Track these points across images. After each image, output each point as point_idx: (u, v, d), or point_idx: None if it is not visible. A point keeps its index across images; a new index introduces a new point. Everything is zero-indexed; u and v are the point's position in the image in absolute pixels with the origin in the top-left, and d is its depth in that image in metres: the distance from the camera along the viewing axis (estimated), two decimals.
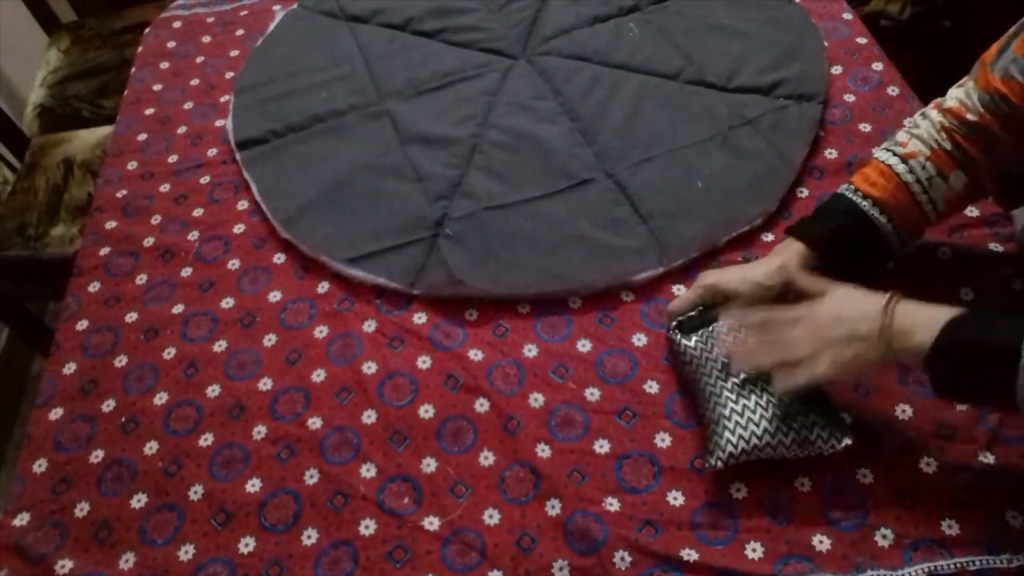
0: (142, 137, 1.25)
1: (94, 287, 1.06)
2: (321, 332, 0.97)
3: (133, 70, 1.39)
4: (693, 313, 0.87)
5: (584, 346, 0.93)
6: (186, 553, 0.82)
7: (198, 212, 1.13)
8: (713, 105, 1.14)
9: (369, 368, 0.93)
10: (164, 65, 1.38)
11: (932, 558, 0.73)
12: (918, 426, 0.82)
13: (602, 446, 0.84)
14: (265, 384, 0.93)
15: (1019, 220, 0.98)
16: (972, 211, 0.98)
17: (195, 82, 1.34)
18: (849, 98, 1.14)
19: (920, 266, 0.94)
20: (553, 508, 0.80)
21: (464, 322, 0.97)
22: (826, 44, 1.21)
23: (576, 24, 1.29)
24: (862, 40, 1.22)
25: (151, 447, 0.90)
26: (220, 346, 0.98)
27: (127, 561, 0.82)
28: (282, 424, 0.90)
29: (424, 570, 0.78)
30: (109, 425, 0.92)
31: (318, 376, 0.93)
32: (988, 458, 0.79)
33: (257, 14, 1.45)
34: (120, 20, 1.80)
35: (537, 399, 0.89)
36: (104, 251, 1.10)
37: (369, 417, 0.89)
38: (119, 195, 1.17)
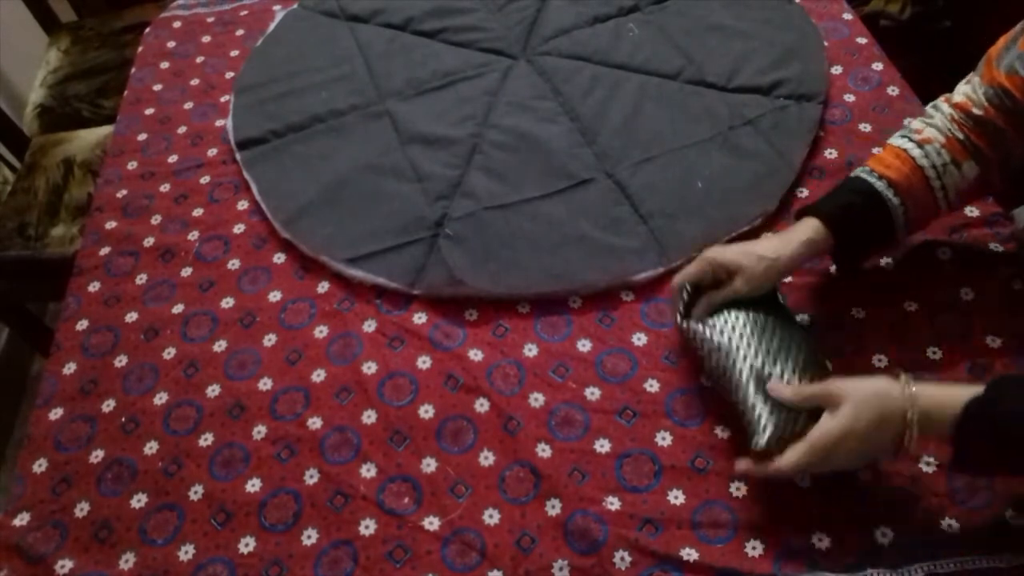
0: (142, 137, 1.25)
1: (94, 287, 1.06)
2: (321, 332, 0.97)
3: (133, 70, 1.39)
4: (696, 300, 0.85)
5: (584, 346, 0.93)
6: (186, 553, 0.82)
7: (198, 212, 1.13)
8: (713, 105, 1.14)
9: (369, 368, 0.93)
10: (164, 65, 1.38)
11: (932, 557, 0.73)
12: None
13: (602, 445, 0.84)
14: (265, 384, 0.93)
15: (1019, 220, 0.98)
16: (972, 211, 0.98)
17: (195, 82, 1.34)
18: (849, 98, 1.14)
19: (920, 266, 0.94)
20: (553, 508, 0.80)
21: (464, 322, 0.97)
22: (826, 44, 1.21)
23: (576, 24, 1.29)
24: (862, 40, 1.22)
25: (151, 447, 0.90)
26: (220, 346, 0.98)
27: (127, 561, 0.82)
28: (282, 424, 0.90)
29: (424, 570, 0.78)
30: (109, 425, 0.92)
31: (318, 376, 0.93)
32: None
33: (257, 14, 1.45)
34: (120, 20, 1.80)
35: (537, 399, 0.89)
36: (104, 251, 1.10)
37: (369, 417, 0.89)
38: (119, 195, 1.17)
